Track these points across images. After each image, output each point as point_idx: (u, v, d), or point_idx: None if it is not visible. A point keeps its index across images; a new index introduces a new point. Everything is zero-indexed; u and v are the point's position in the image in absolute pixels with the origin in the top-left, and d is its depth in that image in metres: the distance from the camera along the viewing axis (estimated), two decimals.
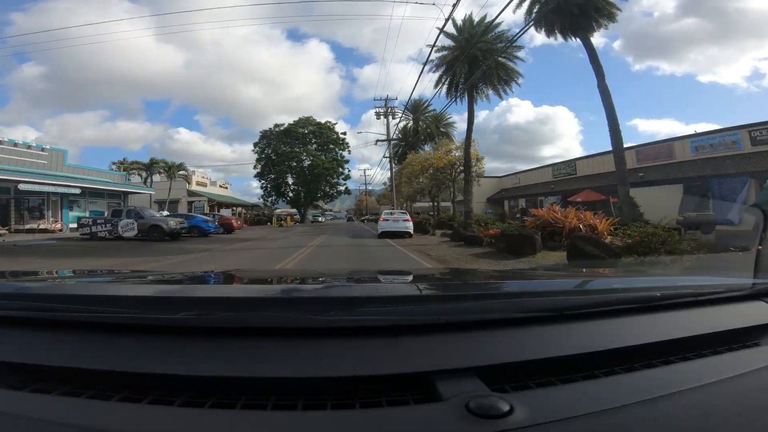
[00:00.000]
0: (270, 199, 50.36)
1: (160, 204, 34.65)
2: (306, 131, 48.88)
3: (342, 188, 51.72)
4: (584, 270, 2.44)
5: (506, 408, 0.47)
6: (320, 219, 59.23)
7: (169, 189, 32.90)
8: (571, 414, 0.47)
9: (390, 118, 30.72)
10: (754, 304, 0.86)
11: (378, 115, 30.71)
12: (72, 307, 0.73)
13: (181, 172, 34.08)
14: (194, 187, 38.83)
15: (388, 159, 32.94)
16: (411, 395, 0.52)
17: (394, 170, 31.05)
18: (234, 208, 46.09)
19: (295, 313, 0.69)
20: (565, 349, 0.62)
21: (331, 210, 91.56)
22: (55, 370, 0.58)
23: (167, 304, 0.77)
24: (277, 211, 56.09)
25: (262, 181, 49.32)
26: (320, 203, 56.08)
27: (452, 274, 1.91)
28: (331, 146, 49.79)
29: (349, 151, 51.31)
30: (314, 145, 49.39)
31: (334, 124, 51.40)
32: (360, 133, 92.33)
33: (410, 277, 1.50)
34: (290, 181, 49.72)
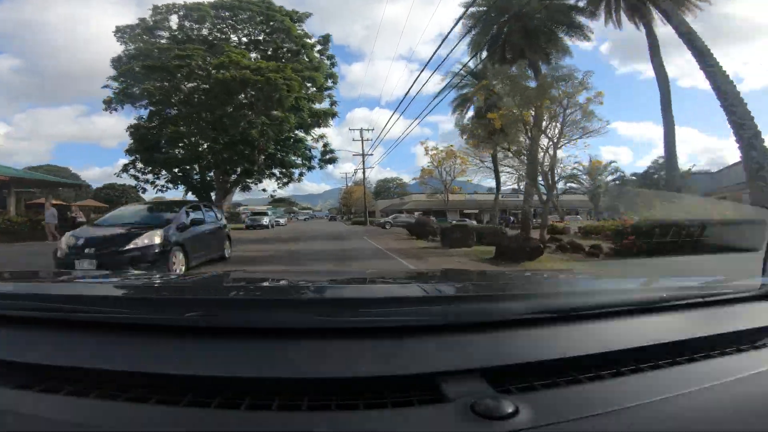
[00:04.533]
0: (144, 177, 22.15)
1: None
2: (241, 34, 21.51)
3: (317, 147, 23.14)
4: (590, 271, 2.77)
5: (511, 409, 0.46)
6: (264, 221, 28.87)
7: None
8: (576, 415, 0.47)
9: None
10: (763, 305, 0.86)
11: None
12: (79, 307, 0.74)
13: None
14: None
15: None
16: (416, 396, 0.52)
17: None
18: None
19: (301, 314, 0.69)
20: (570, 350, 0.62)
21: (311, 208, 68.23)
22: (62, 370, 0.58)
23: (174, 304, 0.78)
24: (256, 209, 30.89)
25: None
26: (271, 187, 26.56)
27: (457, 275, 1.86)
28: (296, 63, 20.83)
29: (334, 64, 23.53)
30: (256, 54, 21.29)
31: (305, 16, 23.32)
32: None
33: (416, 279, 1.47)
34: (190, 131, 20.42)
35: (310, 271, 4.17)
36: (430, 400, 0.51)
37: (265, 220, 28.96)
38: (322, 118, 22.81)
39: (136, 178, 23.29)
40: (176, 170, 22.91)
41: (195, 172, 23.31)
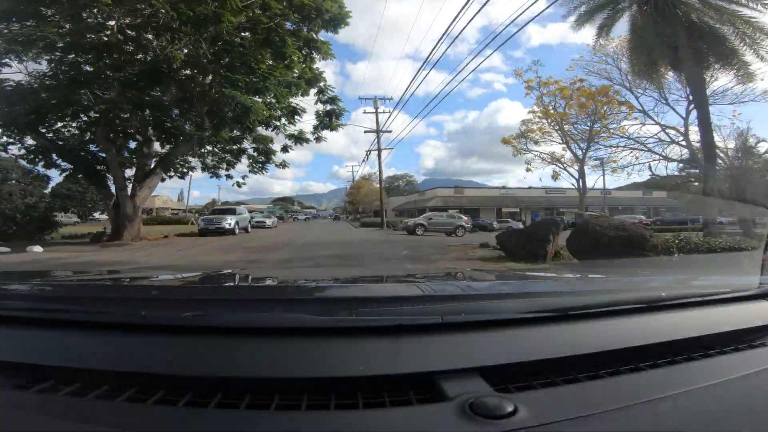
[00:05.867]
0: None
1: None
2: None
3: (307, 90, 13.09)
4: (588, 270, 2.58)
5: (510, 408, 0.47)
6: (227, 224, 18.27)
7: None
8: (575, 414, 0.48)
9: None
10: (761, 304, 0.85)
11: None
12: (77, 307, 0.75)
13: None
14: None
15: None
16: (414, 395, 0.52)
17: None
18: None
19: (300, 314, 0.69)
20: (569, 350, 0.62)
21: (315, 207, 61.56)
22: (59, 370, 0.58)
23: (172, 304, 0.78)
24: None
25: None
26: (241, 171, 17.66)
27: (456, 275, 1.83)
28: None
29: None
30: None
31: None
32: None
33: (414, 278, 1.45)
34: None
35: (308, 271, 3.71)
36: (428, 399, 0.51)
37: (229, 222, 18.55)
38: (317, 37, 12.13)
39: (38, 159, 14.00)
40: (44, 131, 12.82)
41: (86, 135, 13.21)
